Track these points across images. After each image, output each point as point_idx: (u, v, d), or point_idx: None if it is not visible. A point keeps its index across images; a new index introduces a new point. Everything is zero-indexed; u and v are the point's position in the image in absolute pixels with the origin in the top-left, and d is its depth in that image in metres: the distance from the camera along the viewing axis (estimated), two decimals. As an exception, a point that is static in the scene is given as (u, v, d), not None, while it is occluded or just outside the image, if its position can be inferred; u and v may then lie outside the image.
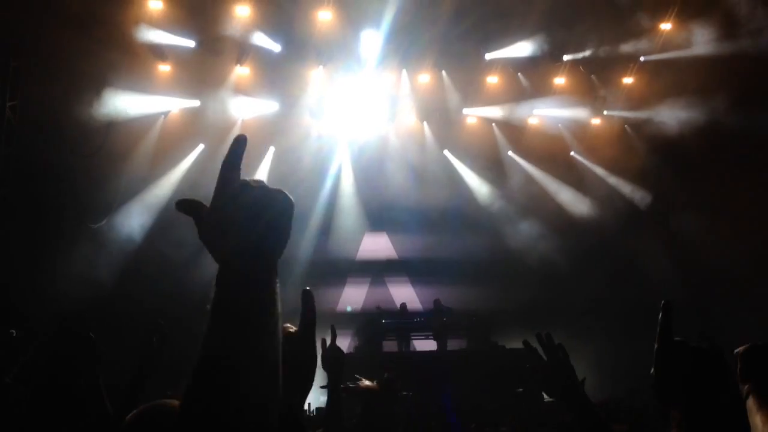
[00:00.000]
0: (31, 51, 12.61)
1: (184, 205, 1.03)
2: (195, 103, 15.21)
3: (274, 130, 15.79)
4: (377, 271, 16.82)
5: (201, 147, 15.39)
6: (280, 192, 1.05)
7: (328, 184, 16.59)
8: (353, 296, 16.39)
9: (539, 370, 2.65)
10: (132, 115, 14.11)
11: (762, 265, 13.14)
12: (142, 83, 14.18)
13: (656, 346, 1.98)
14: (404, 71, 16.13)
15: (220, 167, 1.10)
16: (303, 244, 15.50)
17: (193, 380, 0.93)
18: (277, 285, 1.02)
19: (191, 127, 15.10)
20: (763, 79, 13.53)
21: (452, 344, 14.37)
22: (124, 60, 13.43)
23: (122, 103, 13.81)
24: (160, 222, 14.03)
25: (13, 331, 9.89)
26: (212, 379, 0.92)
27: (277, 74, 15.34)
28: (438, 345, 14.10)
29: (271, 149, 16.15)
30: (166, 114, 15.09)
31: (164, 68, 14.66)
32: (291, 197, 1.07)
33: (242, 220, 1.00)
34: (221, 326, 0.95)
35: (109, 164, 13.40)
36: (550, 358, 2.65)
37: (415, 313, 14.99)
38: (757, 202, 13.33)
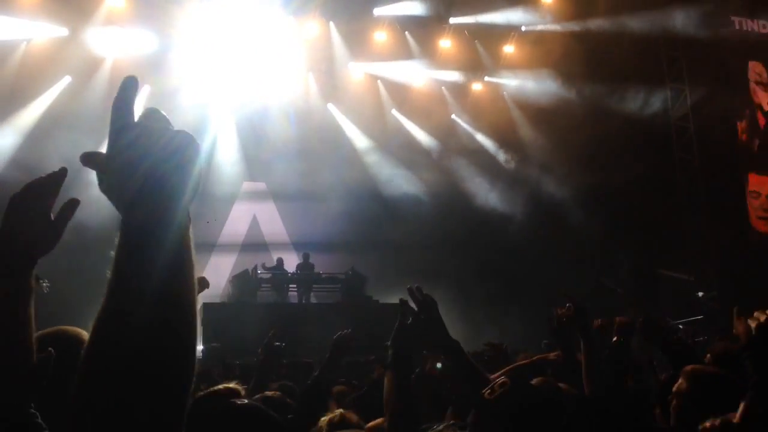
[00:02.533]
0: None
1: (88, 158, 0.95)
2: (63, 31, 14.08)
3: (150, 68, 14.92)
4: (254, 225, 16.55)
5: (68, 79, 14.32)
6: (182, 133, 0.95)
7: (208, 130, 15.98)
8: (226, 253, 16.00)
9: (413, 325, 2.77)
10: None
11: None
12: (3, 4, 12.96)
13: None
14: (291, 18, 15.69)
15: (111, 109, 0.97)
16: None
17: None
18: (189, 231, 0.97)
19: (57, 58, 13.97)
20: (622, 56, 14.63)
21: (328, 297, 14.55)
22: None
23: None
24: (23, 150, 13.04)
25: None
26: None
27: (153, 7, 14.45)
28: (303, 298, 14.20)
29: (146, 88, 15.28)
30: (28, 41, 13.87)
31: (29, -9, 13.46)
32: (194, 138, 0.97)
33: (142, 166, 0.91)
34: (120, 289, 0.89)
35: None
36: (422, 310, 2.78)
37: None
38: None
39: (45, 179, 1.37)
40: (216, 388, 1.67)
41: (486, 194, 16.26)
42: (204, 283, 2.98)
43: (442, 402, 3.64)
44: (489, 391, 2.17)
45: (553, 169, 15.71)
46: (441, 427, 2.40)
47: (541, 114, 15.98)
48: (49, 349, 1.38)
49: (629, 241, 14.92)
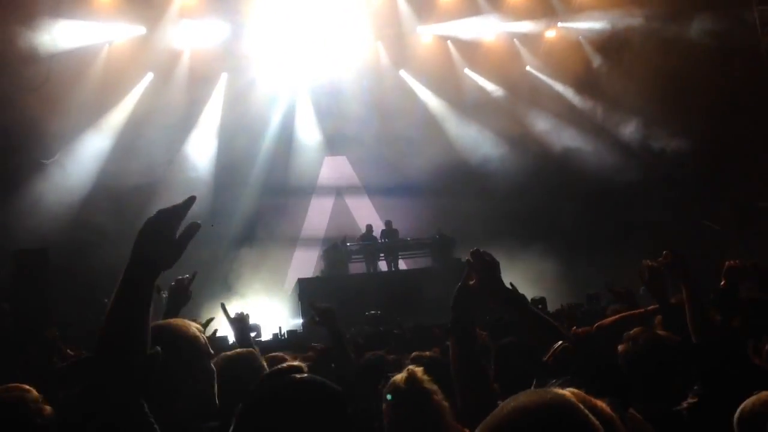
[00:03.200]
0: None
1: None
2: (140, 30, 14.64)
3: (225, 55, 15.35)
4: (339, 194, 16.82)
5: (150, 76, 14.90)
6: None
7: (285, 109, 16.30)
8: (316, 222, 16.39)
9: (474, 286, 2.80)
10: (75, 46, 13.55)
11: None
12: (83, 12, 13.59)
13: None
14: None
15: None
16: (257, 171, 15.41)
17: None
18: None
19: (138, 56, 14.56)
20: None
21: (418, 263, 14.66)
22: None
23: (64, 34, 13.23)
24: (115, 152, 13.77)
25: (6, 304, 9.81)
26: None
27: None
28: (388, 266, 14.31)
29: (224, 76, 15.75)
30: (110, 43, 14.50)
31: (104, -6, 14.03)
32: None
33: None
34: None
35: (57, 98, 12.94)
36: (484, 271, 2.78)
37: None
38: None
39: (175, 207, 1.67)
40: (280, 366, 1.82)
41: (572, 144, 15.81)
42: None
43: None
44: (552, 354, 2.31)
45: (642, 111, 15.06)
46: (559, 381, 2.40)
47: (621, 54, 15.30)
48: (156, 348, 1.63)
49: (727, 176, 14.19)
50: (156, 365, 1.63)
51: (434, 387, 2.40)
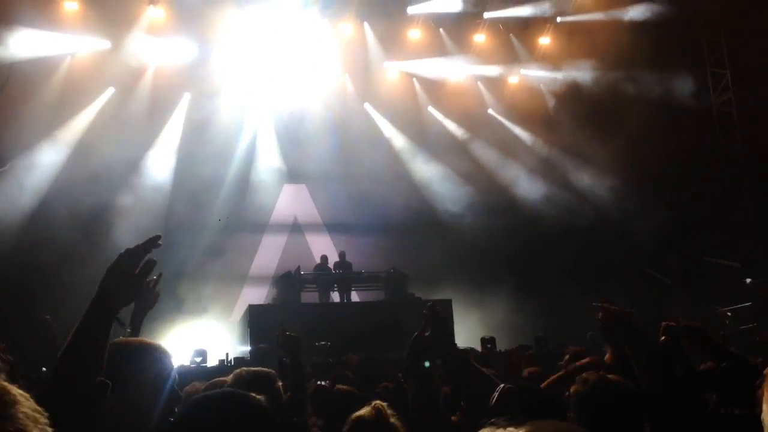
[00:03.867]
0: None
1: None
2: (105, 44, 14.50)
3: (190, 76, 15.28)
4: (295, 223, 16.72)
5: (111, 91, 14.72)
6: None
7: (247, 134, 16.23)
8: (270, 252, 16.22)
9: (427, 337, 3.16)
10: (36, 55, 13.34)
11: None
12: (46, 21, 13.41)
13: None
14: (326, 20, 15.86)
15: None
16: (218, 200, 15.25)
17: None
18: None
19: (101, 70, 14.38)
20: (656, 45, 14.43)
21: (370, 296, 14.61)
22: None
23: (26, 42, 13.03)
24: (70, 166, 13.49)
25: None
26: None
27: (192, 16, 14.78)
28: (341, 297, 14.25)
29: (186, 96, 15.65)
30: (73, 55, 14.32)
31: (71, 5, 13.90)
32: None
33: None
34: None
35: (13, 106, 12.68)
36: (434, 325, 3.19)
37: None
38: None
39: (139, 247, 1.84)
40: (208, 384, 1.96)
41: (525, 186, 16.17)
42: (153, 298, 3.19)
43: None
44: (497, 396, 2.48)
45: (594, 161, 15.53)
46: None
47: (579, 104, 15.82)
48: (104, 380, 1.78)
49: (675, 231, 14.69)
50: (104, 394, 1.72)
51: (399, 423, 2.46)
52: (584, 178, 15.96)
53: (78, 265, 10.40)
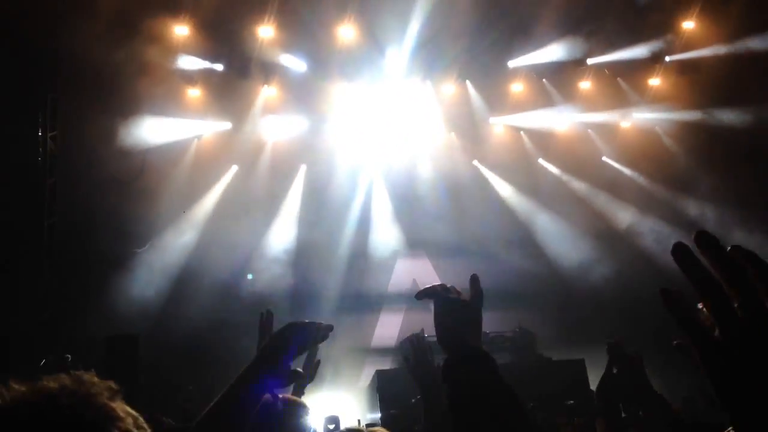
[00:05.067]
0: (66, 83, 12.95)
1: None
2: (226, 125, 15.42)
3: (305, 148, 15.94)
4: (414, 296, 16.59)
5: (234, 168, 15.57)
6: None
7: (361, 199, 16.62)
8: (391, 320, 16.23)
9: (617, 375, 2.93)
10: (167, 141, 14.35)
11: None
12: (173, 109, 14.42)
13: None
14: (428, 83, 16.21)
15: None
16: (335, 269, 15.54)
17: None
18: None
19: (224, 150, 15.29)
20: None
21: (497, 357, 14.23)
22: (156, 87, 13.68)
23: (156, 130, 14.05)
24: (201, 243, 14.25)
25: (69, 356, 10.13)
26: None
27: (304, 92, 15.50)
28: None
29: (303, 167, 16.29)
30: (199, 137, 15.30)
31: (194, 93, 14.89)
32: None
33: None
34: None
35: (149, 189, 13.64)
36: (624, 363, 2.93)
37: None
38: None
39: (316, 327, 1.97)
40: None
41: (649, 233, 15.50)
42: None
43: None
44: None
45: (720, 204, 14.74)
46: None
47: (699, 146, 15.17)
48: None
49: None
50: None
51: None
52: (709, 221, 15.13)
53: (210, 341, 10.87)
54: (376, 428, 3.68)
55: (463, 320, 1.65)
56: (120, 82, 13.13)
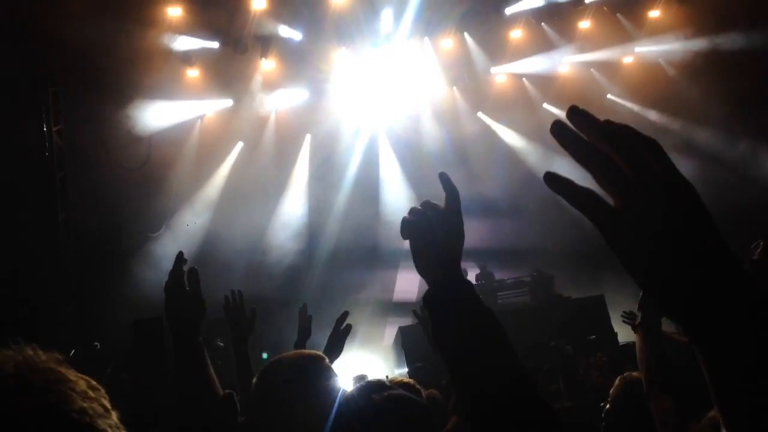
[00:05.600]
0: (66, 75, 13.00)
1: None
2: (228, 103, 15.45)
3: (308, 118, 15.94)
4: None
5: (240, 145, 15.64)
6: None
7: (368, 164, 16.64)
8: (408, 282, 16.34)
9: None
10: (170, 124, 14.42)
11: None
12: (174, 91, 14.43)
13: None
14: (426, 40, 16.04)
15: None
16: (352, 232, 15.61)
17: None
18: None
19: (228, 127, 15.35)
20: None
21: (516, 303, 14.39)
22: (154, 71, 13.69)
23: (159, 114, 14.11)
24: (214, 222, 14.40)
25: (97, 343, 10.39)
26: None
27: (302, 62, 15.45)
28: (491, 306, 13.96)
29: (308, 137, 16.32)
30: (202, 117, 15.36)
31: (193, 73, 14.89)
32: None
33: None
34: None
35: (158, 174, 13.77)
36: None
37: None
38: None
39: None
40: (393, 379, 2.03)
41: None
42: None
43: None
44: None
45: (732, 128, 14.52)
46: None
47: (705, 74, 14.89)
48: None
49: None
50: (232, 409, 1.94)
51: None
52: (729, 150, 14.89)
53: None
54: (400, 378, 3.77)
55: (437, 243, 1.52)
56: (118, 69, 13.16)
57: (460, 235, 1.52)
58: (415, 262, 1.53)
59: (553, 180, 0.86)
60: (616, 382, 3.38)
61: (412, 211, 1.56)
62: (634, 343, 7.97)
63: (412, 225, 1.53)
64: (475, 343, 1.38)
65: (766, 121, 13.88)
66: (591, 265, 13.53)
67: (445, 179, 1.57)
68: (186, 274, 2.03)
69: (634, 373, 3.24)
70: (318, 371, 2.18)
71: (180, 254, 2.06)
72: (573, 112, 0.87)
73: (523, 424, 1.26)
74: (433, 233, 1.50)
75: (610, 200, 0.83)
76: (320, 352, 2.43)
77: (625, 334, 10.39)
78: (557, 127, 0.86)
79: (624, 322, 4.15)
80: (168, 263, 2.16)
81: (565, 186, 0.85)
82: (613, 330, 11.60)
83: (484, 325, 1.41)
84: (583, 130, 0.86)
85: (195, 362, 1.93)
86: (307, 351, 2.78)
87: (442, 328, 1.42)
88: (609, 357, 7.96)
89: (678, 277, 0.78)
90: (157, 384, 10.93)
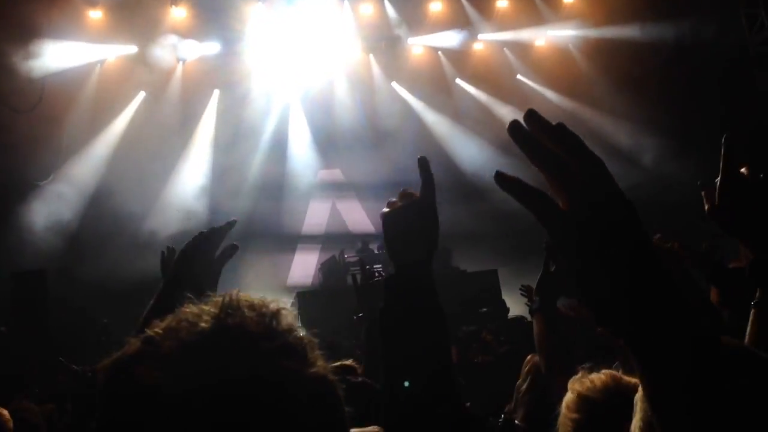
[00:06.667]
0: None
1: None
2: (132, 49, 14.69)
3: (217, 71, 15.41)
4: (334, 206, 16.79)
5: (142, 94, 14.94)
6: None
7: (277, 124, 16.30)
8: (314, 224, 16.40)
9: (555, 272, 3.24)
10: (66, 66, 13.59)
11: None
12: (73, 32, 13.61)
13: None
14: (345, 1, 15.76)
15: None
16: (257, 190, 15.33)
17: None
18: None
19: (130, 75, 14.61)
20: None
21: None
22: (53, 9, 12.86)
23: (55, 55, 13.27)
24: (110, 172, 13.77)
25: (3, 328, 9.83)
26: None
27: (214, 13, 14.88)
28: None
29: (216, 92, 15.79)
30: (101, 62, 14.55)
31: (95, 14, 14.08)
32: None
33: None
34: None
35: (49, 118, 12.98)
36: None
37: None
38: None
39: (214, 231, 1.82)
40: (333, 365, 1.93)
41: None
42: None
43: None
44: None
45: (632, 118, 15.13)
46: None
47: (611, 61, 15.40)
48: None
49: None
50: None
51: None
52: (623, 139, 15.52)
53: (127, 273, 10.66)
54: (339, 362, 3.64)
55: (412, 232, 1.54)
56: (13, 3, 12.29)
57: (435, 225, 1.55)
58: (387, 249, 1.57)
59: (503, 180, 0.88)
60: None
61: (389, 204, 1.59)
62: (522, 317, 8.18)
63: (387, 217, 1.56)
64: (416, 337, 1.43)
65: (650, 108, 14.53)
66: (486, 241, 13.91)
67: (423, 165, 1.56)
68: (223, 248, 1.85)
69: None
70: None
71: (233, 222, 1.89)
72: (531, 115, 0.90)
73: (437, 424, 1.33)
74: (408, 223, 1.54)
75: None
76: None
77: (514, 310, 10.77)
78: (515, 128, 0.89)
79: (522, 295, 4.29)
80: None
81: (515, 186, 0.88)
82: (505, 304, 11.99)
83: (429, 322, 1.47)
84: (538, 134, 0.89)
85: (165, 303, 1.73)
86: None
87: (392, 311, 1.47)
88: (494, 333, 8.20)
89: (613, 285, 0.82)
90: (36, 338, 10.49)
